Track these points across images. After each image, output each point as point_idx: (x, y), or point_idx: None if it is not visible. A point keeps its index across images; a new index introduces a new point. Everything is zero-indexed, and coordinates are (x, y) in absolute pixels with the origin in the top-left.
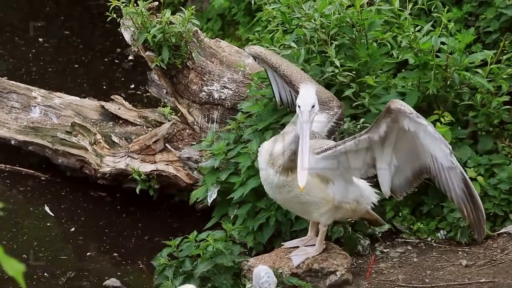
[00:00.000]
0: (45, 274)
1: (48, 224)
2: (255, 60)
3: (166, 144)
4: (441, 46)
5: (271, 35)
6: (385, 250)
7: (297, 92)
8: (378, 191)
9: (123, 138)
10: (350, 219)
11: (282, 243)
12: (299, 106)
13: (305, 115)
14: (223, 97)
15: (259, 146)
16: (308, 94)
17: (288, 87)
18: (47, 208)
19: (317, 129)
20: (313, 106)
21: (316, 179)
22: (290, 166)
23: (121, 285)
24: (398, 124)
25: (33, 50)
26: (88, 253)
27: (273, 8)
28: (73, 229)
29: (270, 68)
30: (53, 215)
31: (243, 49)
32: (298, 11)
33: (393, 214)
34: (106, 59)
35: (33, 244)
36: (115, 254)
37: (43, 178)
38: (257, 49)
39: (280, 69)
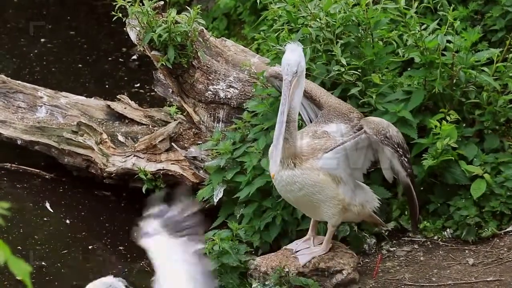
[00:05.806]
0: (48, 273)
1: (52, 223)
2: (274, 82)
3: (172, 144)
4: (447, 44)
5: (276, 34)
6: (391, 249)
7: (318, 106)
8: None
9: (129, 138)
10: (354, 221)
11: (285, 247)
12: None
13: (286, 84)
14: (229, 96)
15: (265, 145)
16: (290, 57)
17: (309, 102)
18: (47, 205)
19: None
20: (295, 73)
21: (328, 177)
22: (290, 154)
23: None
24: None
25: (36, 51)
26: (91, 252)
27: (278, 7)
28: (77, 228)
29: None
30: (52, 211)
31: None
32: (303, 10)
33: (399, 212)
34: (110, 59)
35: (36, 243)
36: (119, 253)
37: (48, 177)
38: (277, 69)
39: None
